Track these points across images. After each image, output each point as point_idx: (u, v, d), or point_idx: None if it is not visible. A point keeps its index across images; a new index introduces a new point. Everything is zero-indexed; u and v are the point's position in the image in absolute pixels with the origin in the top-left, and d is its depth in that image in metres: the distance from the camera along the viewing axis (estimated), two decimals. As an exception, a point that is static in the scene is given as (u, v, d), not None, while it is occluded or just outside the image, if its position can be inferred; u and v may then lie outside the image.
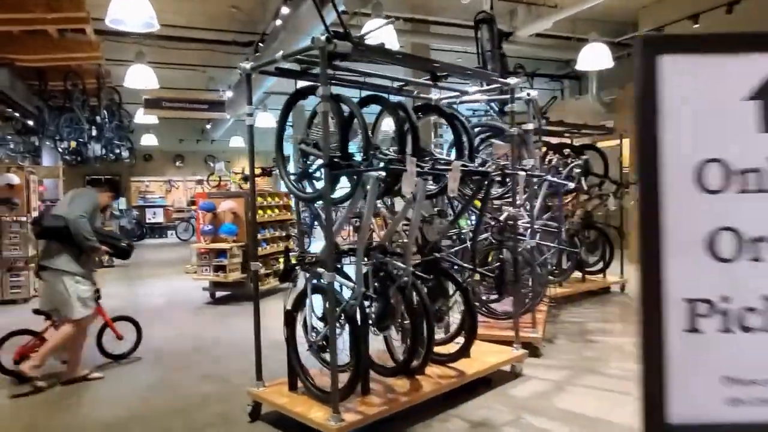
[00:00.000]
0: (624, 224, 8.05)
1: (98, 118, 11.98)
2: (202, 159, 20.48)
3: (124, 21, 5.48)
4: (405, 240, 3.90)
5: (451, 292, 3.97)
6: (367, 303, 3.45)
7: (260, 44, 9.64)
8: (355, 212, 3.49)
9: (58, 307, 4.44)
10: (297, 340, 3.66)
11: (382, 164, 3.08)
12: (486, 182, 3.57)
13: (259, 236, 8.02)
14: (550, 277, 6.05)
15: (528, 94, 4.63)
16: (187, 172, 20.97)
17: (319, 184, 3.51)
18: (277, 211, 8.64)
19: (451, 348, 4.09)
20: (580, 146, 7.54)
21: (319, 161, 3.43)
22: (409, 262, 3.47)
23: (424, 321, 3.54)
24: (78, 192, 4.74)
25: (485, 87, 4.65)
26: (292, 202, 9.15)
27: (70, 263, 4.38)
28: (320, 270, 3.35)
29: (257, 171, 8.20)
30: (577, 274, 7.51)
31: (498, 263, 4.15)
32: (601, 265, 7.82)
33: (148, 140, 17.15)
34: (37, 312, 4.64)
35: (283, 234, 8.64)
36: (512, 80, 4.36)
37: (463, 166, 3.40)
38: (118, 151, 13.32)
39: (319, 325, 3.50)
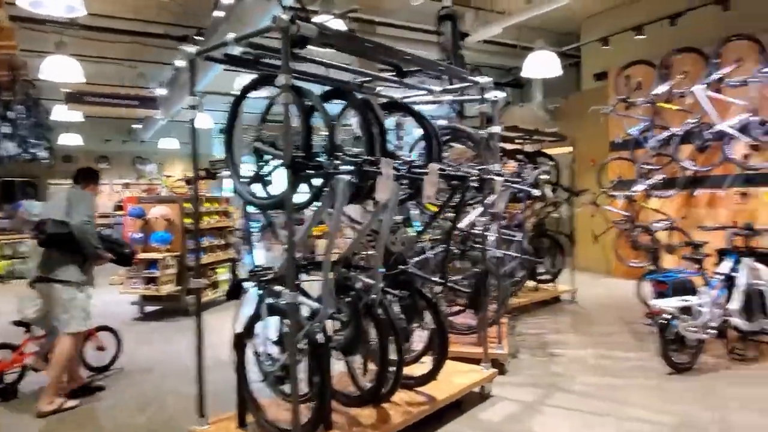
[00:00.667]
0: (574, 231, 8.02)
1: (12, 114, 10.83)
2: (130, 161, 19.19)
3: (43, 3, 4.78)
4: (369, 252, 3.52)
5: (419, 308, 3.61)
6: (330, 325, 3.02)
7: (196, 38, 8.96)
8: (319, 219, 3.07)
9: (56, 320, 4.07)
10: (248, 369, 3.18)
11: (349, 166, 2.69)
12: (462, 188, 3.25)
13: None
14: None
15: (495, 96, 4.36)
16: (113, 175, 19.56)
17: (275, 189, 3.07)
18: (216, 217, 7.99)
19: (417, 369, 3.73)
20: (533, 152, 7.43)
21: (277, 162, 2.99)
22: (378, 277, 3.08)
23: (394, 343, 3.16)
24: (73, 194, 4.24)
25: (451, 86, 4.34)
26: (234, 208, 8.56)
27: (74, 273, 4.07)
28: (279, 288, 2.90)
29: (200, 174, 7.56)
30: (529, 283, 7.39)
31: (473, 275, 3.83)
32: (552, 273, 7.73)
33: (70, 140, 15.80)
34: (18, 324, 4.32)
35: (222, 242, 8.00)
36: (483, 79, 4.08)
37: (440, 170, 3.06)
38: (34, 150, 12.12)
39: (275, 350, 3.04)
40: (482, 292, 3.56)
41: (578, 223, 8.12)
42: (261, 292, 3.11)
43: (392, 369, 3.20)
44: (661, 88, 8.59)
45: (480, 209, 4.58)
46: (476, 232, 4.66)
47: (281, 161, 2.81)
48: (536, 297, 7.30)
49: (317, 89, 3.14)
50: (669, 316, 4.54)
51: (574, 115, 10.68)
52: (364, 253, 3.50)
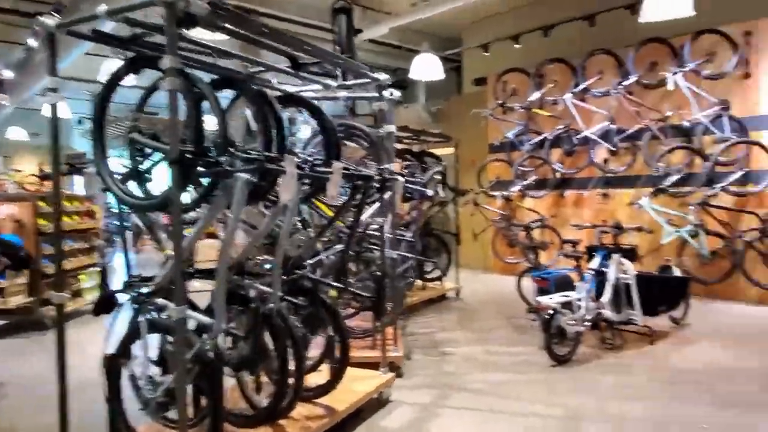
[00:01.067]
0: (460, 230, 8.25)
1: None
2: (-33, 153, 16.63)
3: None
4: (264, 257, 3.25)
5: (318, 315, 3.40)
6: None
7: (53, 14, 7.88)
8: (210, 223, 2.73)
9: None
10: (123, 396, 2.76)
11: (248, 164, 2.40)
12: (365, 188, 3.09)
13: (53, 250, 6.47)
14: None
15: (391, 93, 4.27)
16: (-54, 169, 16.82)
17: (154, 187, 2.69)
18: (77, 218, 7.10)
19: (314, 378, 3.52)
20: (420, 152, 7.51)
21: (159, 157, 2.62)
22: (277, 284, 2.83)
23: (293, 356, 2.93)
24: None
25: (348, 82, 4.17)
26: (98, 208, 7.67)
27: None
28: (162, 301, 2.54)
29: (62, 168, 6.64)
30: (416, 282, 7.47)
31: (373, 278, 3.69)
32: (439, 272, 7.89)
33: None
34: None
35: (86, 246, 7.12)
36: (381, 76, 3.96)
37: (344, 168, 2.88)
38: None
39: (157, 373, 2.67)
40: (383, 296, 3.45)
41: (460, 222, 8.39)
42: (138, 305, 2.71)
43: (290, 381, 2.97)
44: (535, 95, 9.17)
45: (373, 209, 4.48)
46: (372, 233, 4.55)
47: (165, 156, 2.46)
48: (424, 296, 7.39)
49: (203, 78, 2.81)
50: (552, 312, 4.77)
51: (455, 117, 11.05)
52: (258, 258, 3.21)
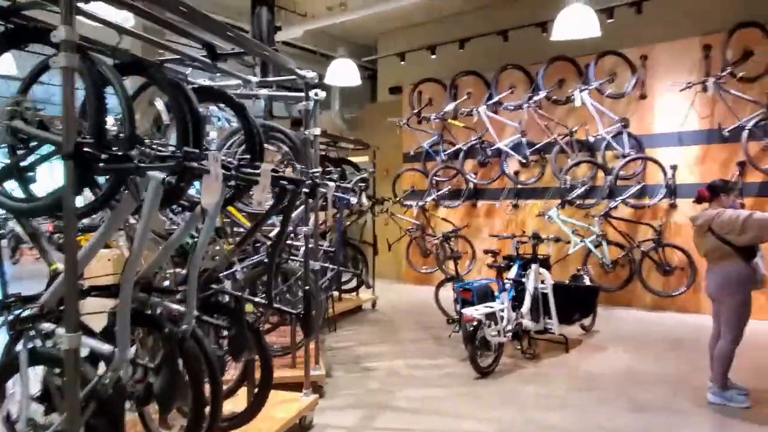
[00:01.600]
0: (377, 240, 8.08)
1: None
2: None
3: None
4: (173, 271, 2.84)
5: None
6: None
7: None
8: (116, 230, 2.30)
9: None
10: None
11: (162, 161, 2.03)
12: (294, 194, 2.79)
13: None
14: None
15: (316, 94, 4.00)
16: None
17: (40, 187, 2.23)
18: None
19: (230, 405, 3.14)
20: (337, 159, 7.27)
21: (48, 150, 2.17)
22: (192, 302, 2.45)
23: (209, 383, 2.55)
24: None
25: (271, 79, 3.84)
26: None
27: None
28: (47, 326, 2.08)
29: None
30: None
31: (303, 292, 3.34)
32: (355, 282, 7.66)
33: None
34: None
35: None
36: (309, 73, 3.67)
37: (273, 171, 2.56)
38: None
39: (40, 412, 2.19)
40: (312, 311, 3.15)
41: (377, 231, 8.24)
42: (15, 331, 2.22)
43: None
44: (450, 106, 9.25)
45: (293, 217, 4.17)
46: (292, 242, 4.23)
47: (56, 149, 2.03)
48: (340, 308, 7.12)
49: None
50: (477, 323, 4.70)
51: (369, 125, 10.93)
52: (169, 272, 2.79)
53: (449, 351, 5.56)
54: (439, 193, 9.54)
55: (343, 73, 7.90)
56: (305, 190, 2.89)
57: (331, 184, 3.54)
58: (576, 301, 5.84)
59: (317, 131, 4.00)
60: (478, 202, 9.47)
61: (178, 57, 3.12)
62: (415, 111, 9.72)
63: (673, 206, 7.66)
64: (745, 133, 6.84)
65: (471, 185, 9.34)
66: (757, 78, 6.95)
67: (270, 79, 3.91)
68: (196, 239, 2.68)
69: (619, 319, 7.13)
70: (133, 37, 2.64)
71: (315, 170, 3.51)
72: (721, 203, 4.10)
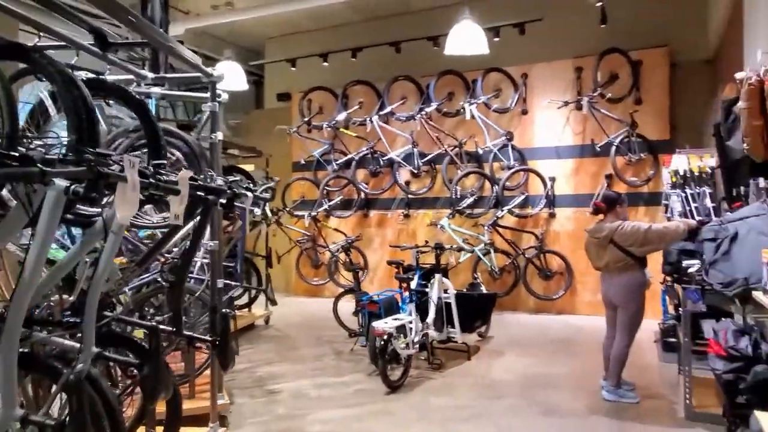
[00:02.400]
0: (270, 252, 7.68)
1: None
2: None
3: None
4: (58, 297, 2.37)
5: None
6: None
7: None
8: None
9: None
10: None
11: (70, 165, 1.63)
12: (210, 204, 2.45)
13: None
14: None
15: (219, 95, 3.64)
16: None
17: None
18: None
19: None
20: (229, 167, 6.79)
21: None
22: (90, 337, 2.02)
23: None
24: None
25: (170, 75, 3.42)
26: None
27: None
28: None
29: None
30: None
31: (215, 319, 2.92)
32: (247, 297, 7.21)
33: None
34: None
35: None
36: (216, 71, 3.32)
37: (191, 179, 2.22)
38: None
39: None
40: (228, 336, 2.78)
41: (264, 242, 7.82)
42: None
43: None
44: (341, 115, 9.14)
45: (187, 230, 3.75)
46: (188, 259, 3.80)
47: None
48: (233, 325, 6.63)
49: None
50: (387, 337, 4.58)
51: (256, 132, 10.46)
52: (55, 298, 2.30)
53: (354, 366, 5.39)
54: (331, 203, 9.36)
55: (229, 76, 7.45)
56: (222, 200, 2.56)
57: (249, 194, 3.22)
58: (476, 309, 5.98)
59: (221, 135, 3.65)
60: (370, 212, 9.44)
61: (61, 44, 2.64)
62: (306, 119, 9.48)
63: (552, 215, 8.21)
64: (613, 149, 7.53)
65: (363, 195, 9.28)
66: (621, 99, 7.69)
67: (168, 75, 3.47)
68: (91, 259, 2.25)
69: (508, 323, 7.44)
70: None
71: (234, 178, 3.16)
72: (617, 214, 4.39)
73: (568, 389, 4.70)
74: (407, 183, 8.93)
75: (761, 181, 2.73)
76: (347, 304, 6.48)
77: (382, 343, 4.55)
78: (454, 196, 8.25)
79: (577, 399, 4.46)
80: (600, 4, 6.65)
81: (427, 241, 6.34)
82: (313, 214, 9.24)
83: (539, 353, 5.89)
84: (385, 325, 4.64)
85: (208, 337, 2.69)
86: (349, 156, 9.17)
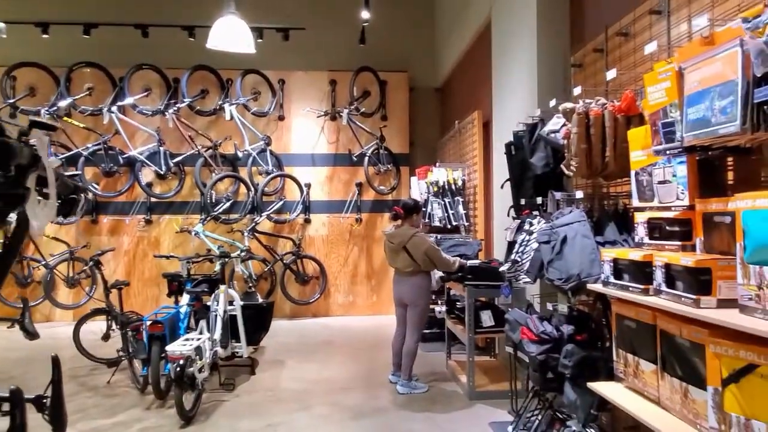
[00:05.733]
0: None
1: None
2: None
3: None
4: None
5: None
6: None
7: None
8: None
9: None
10: None
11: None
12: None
13: None
14: None
15: None
16: None
17: None
18: None
19: None
20: None
21: None
22: None
23: None
24: None
25: None
26: None
27: None
28: None
29: None
30: None
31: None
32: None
33: None
34: None
35: None
36: None
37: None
38: None
39: None
40: (60, 391, 1.92)
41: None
42: None
43: None
44: (65, 101, 7.62)
45: None
46: None
47: None
48: None
49: None
50: (184, 360, 3.99)
51: None
52: None
53: (123, 401, 4.53)
54: (49, 206, 7.66)
55: None
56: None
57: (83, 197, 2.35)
58: (261, 320, 5.69)
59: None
60: (102, 218, 8.07)
61: None
62: (11, 101, 7.57)
63: (307, 221, 8.39)
64: (366, 159, 8.13)
65: (91, 197, 7.86)
66: (372, 114, 8.37)
67: None
68: None
69: (270, 331, 7.28)
70: None
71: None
72: (413, 222, 4.76)
73: (363, 389, 4.87)
74: (149, 185, 7.94)
75: (557, 194, 3.35)
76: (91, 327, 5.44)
77: (178, 369, 3.94)
78: (208, 201, 7.71)
79: (376, 397, 4.65)
80: (365, 24, 7.12)
81: (209, 251, 5.75)
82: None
83: (317, 358, 5.95)
84: (182, 347, 4.03)
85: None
86: (76, 151, 7.67)
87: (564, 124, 3.09)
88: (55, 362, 1.91)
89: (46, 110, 7.46)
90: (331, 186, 8.52)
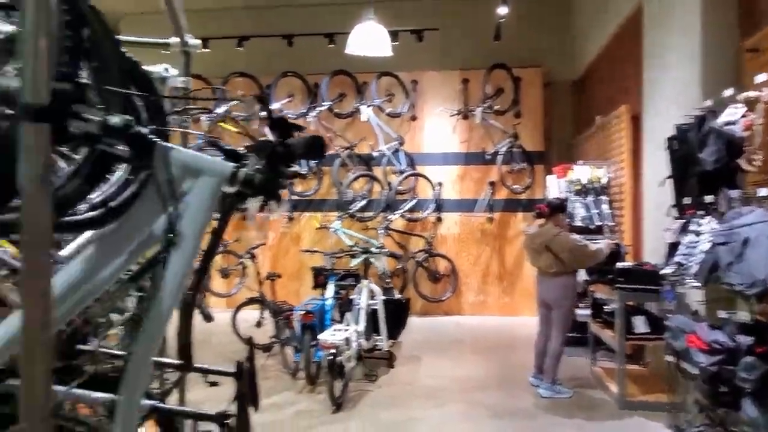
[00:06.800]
0: None
1: None
2: None
3: None
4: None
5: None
6: None
7: None
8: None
9: None
10: None
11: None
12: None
13: None
14: None
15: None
16: None
17: None
18: None
19: None
20: None
21: None
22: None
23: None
24: None
25: None
26: None
27: None
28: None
29: None
30: None
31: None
32: None
33: None
34: None
35: None
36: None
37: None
38: None
39: None
40: (254, 368, 2.20)
41: None
42: None
43: None
44: (221, 108, 8.36)
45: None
46: None
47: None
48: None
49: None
50: (335, 350, 4.23)
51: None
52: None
53: (276, 384, 4.89)
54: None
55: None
56: None
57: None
58: (399, 315, 5.86)
59: None
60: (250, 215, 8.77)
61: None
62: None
63: (439, 219, 8.45)
64: (499, 158, 8.00)
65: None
66: (505, 111, 8.22)
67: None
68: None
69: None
70: None
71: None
72: (558, 221, 4.62)
73: (502, 389, 4.81)
74: (292, 184, 8.48)
75: (732, 192, 3.06)
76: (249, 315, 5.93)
77: (331, 357, 4.18)
78: (345, 199, 8.06)
79: (515, 398, 4.58)
80: (502, 20, 7.01)
81: (351, 247, 6.04)
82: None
83: (450, 355, 5.98)
84: (332, 337, 4.28)
85: (230, 370, 2.14)
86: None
87: (743, 115, 2.82)
88: (249, 343, 2.14)
89: (207, 117, 8.26)
90: (462, 185, 8.51)
